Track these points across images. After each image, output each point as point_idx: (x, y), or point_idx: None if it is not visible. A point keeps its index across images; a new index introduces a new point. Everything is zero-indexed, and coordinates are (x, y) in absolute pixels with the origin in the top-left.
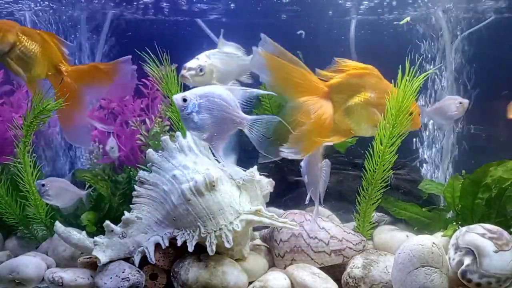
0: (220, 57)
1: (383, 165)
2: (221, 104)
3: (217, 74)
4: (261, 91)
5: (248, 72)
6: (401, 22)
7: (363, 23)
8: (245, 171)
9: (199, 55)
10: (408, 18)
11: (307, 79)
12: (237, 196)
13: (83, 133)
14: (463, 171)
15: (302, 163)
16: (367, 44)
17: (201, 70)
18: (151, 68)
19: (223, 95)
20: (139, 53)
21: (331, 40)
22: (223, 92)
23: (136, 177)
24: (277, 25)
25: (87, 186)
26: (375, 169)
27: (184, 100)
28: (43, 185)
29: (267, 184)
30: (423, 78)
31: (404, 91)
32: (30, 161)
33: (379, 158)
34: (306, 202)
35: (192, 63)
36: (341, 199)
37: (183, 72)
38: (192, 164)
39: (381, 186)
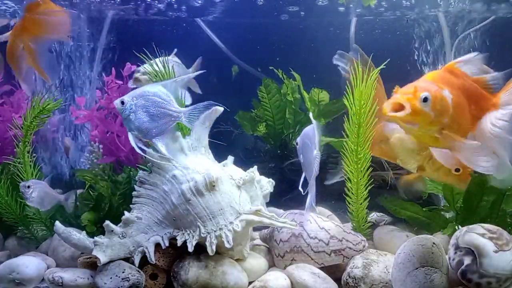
0: (171, 64)
1: (360, 165)
2: (155, 101)
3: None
4: (191, 74)
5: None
6: None
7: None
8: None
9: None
10: None
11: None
12: (237, 196)
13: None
14: None
15: (298, 140)
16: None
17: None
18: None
19: (157, 92)
20: (138, 54)
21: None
22: (156, 89)
23: (136, 177)
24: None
25: (75, 191)
26: (356, 168)
27: (122, 102)
28: (28, 186)
29: (267, 184)
30: (376, 74)
31: (360, 90)
32: (30, 161)
33: (354, 158)
34: (300, 187)
35: (147, 67)
36: (341, 199)
37: (137, 75)
38: (192, 164)
39: (366, 184)
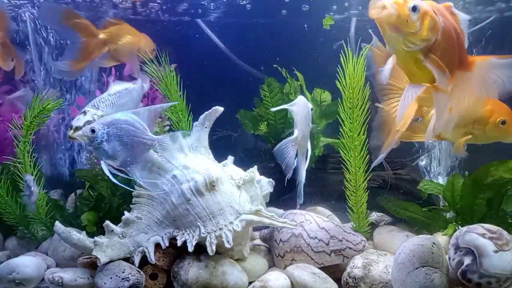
0: (110, 99)
1: (358, 152)
2: (128, 129)
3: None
4: (164, 105)
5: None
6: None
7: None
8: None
9: (87, 106)
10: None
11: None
12: (237, 196)
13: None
14: (466, 173)
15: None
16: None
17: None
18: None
19: (129, 120)
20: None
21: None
22: (129, 117)
23: None
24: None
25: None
26: (353, 156)
27: (93, 131)
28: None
29: (267, 184)
30: (364, 55)
31: (351, 83)
32: (30, 161)
33: (351, 144)
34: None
35: (79, 121)
36: (341, 199)
37: (70, 133)
38: (192, 164)
39: (364, 176)
